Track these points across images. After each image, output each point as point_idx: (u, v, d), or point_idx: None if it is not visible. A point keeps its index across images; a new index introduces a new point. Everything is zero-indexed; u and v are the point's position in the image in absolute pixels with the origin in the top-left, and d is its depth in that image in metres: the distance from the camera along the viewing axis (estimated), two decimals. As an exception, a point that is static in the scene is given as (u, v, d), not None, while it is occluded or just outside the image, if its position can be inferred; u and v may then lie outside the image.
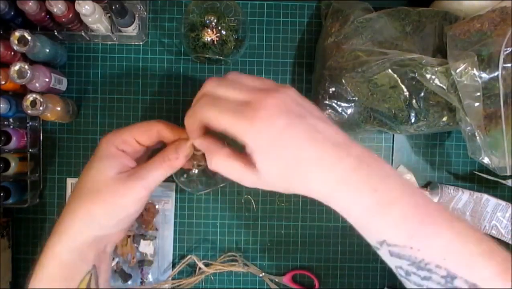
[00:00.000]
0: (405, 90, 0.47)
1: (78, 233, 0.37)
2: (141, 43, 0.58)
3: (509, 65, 0.43)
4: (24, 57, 0.50)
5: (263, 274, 0.58)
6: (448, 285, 0.29)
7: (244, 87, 0.34)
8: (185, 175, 0.47)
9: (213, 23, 0.51)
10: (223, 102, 0.33)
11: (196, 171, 0.44)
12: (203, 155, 0.40)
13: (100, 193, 0.36)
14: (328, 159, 0.31)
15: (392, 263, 0.31)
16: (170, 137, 0.40)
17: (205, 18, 0.51)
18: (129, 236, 0.56)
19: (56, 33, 0.54)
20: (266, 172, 0.33)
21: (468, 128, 0.46)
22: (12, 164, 0.52)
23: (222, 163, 0.35)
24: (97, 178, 0.37)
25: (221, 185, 0.52)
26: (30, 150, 0.55)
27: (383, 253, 0.31)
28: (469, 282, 0.28)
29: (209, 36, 0.51)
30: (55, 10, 0.48)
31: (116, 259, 0.57)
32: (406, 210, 0.30)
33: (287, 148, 0.31)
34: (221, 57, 0.53)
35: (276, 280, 0.58)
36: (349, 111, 0.50)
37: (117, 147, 0.39)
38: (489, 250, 0.29)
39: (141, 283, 0.57)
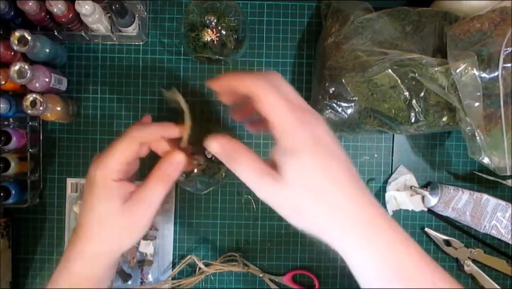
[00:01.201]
0: (405, 90, 0.47)
1: (98, 268, 0.38)
2: (141, 43, 0.58)
3: (509, 65, 0.43)
4: (24, 57, 0.50)
5: (263, 274, 0.58)
6: None
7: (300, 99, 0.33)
8: (184, 175, 0.47)
9: (213, 23, 0.51)
10: (286, 94, 0.32)
11: (196, 170, 0.44)
12: (202, 155, 0.40)
13: (113, 231, 0.37)
14: (362, 217, 0.30)
15: None
16: (154, 141, 0.39)
17: (205, 18, 0.51)
18: (129, 236, 0.56)
19: (56, 33, 0.54)
20: (292, 182, 0.30)
21: (468, 128, 0.46)
22: (12, 164, 0.52)
23: (236, 150, 0.33)
24: (104, 219, 0.37)
25: (220, 184, 0.52)
26: (30, 150, 0.55)
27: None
28: None
29: (209, 36, 0.51)
30: (55, 10, 0.48)
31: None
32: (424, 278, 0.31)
33: (325, 178, 0.30)
34: (221, 57, 0.53)
35: (276, 280, 0.58)
36: (349, 111, 0.50)
37: (112, 179, 0.37)
38: None
39: (141, 283, 0.57)
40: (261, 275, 0.58)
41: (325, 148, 0.31)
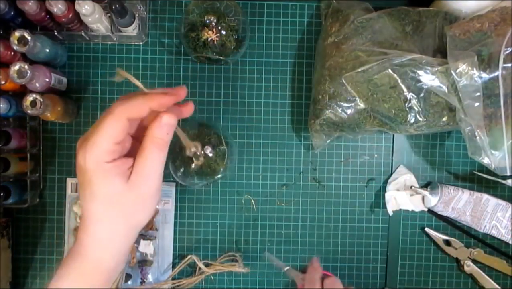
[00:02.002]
0: (405, 90, 0.47)
1: (121, 243, 0.37)
2: (141, 43, 0.58)
3: (509, 65, 0.43)
4: (24, 57, 0.50)
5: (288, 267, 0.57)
6: None
7: None
8: (182, 169, 0.47)
9: (213, 23, 0.51)
10: None
11: (193, 166, 0.44)
12: (198, 142, 0.40)
13: (125, 209, 0.35)
14: None
15: None
16: (143, 115, 0.36)
17: (205, 18, 0.51)
18: (129, 236, 0.56)
19: (56, 33, 0.54)
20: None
21: (468, 128, 0.46)
22: (12, 164, 0.52)
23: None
24: (112, 201, 0.35)
25: (218, 177, 0.52)
26: (30, 150, 0.55)
27: None
28: None
29: (209, 36, 0.51)
30: (55, 10, 0.48)
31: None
32: None
33: None
34: (221, 57, 0.53)
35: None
36: (349, 111, 0.50)
37: (106, 161, 0.34)
38: None
39: (141, 283, 0.57)
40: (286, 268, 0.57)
41: None
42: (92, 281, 0.36)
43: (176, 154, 0.51)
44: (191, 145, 0.40)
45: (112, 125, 0.35)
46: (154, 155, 0.35)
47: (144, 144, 0.36)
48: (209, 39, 0.51)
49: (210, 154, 0.50)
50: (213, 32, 0.51)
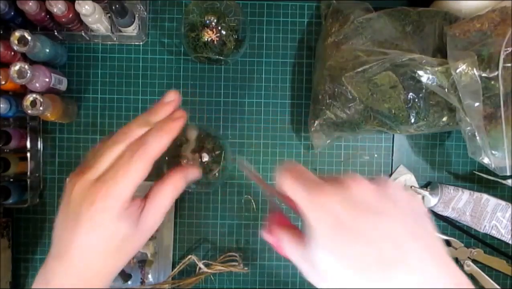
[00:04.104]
0: (405, 90, 0.47)
1: (113, 274, 0.36)
2: (141, 43, 0.58)
3: (509, 65, 0.43)
4: (24, 57, 0.50)
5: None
6: None
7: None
8: None
9: (213, 23, 0.51)
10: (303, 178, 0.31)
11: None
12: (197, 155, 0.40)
13: (128, 247, 0.35)
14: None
15: None
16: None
17: (205, 18, 0.51)
18: (129, 236, 0.56)
19: (56, 33, 0.54)
20: (319, 265, 0.28)
21: (468, 128, 0.46)
22: (12, 164, 0.52)
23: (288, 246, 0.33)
24: (120, 240, 0.34)
25: (214, 185, 0.52)
26: (30, 150, 0.55)
27: None
28: None
29: (209, 36, 0.51)
30: (55, 10, 0.48)
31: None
32: None
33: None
34: (221, 57, 0.53)
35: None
36: (349, 111, 0.50)
37: (127, 207, 0.33)
38: None
39: (141, 283, 0.57)
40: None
41: (346, 229, 0.27)
42: None
43: (170, 160, 0.51)
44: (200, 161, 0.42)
45: (139, 172, 0.34)
46: (169, 194, 0.36)
47: (161, 186, 0.36)
48: (209, 39, 0.51)
49: (205, 159, 0.50)
50: (213, 32, 0.51)
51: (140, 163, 0.33)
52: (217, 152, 0.50)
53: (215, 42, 0.52)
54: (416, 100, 0.47)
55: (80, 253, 0.34)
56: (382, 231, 0.27)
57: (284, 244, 0.33)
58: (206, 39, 0.51)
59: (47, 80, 0.51)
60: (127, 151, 0.34)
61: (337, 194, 0.28)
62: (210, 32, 0.51)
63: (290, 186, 0.31)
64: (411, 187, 0.58)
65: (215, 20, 0.51)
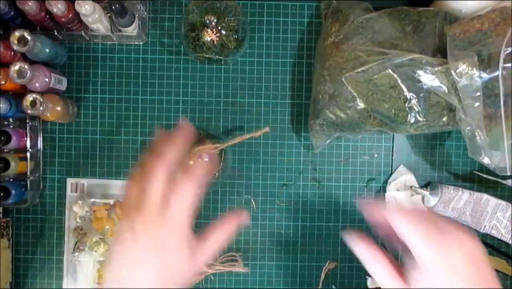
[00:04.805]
0: (405, 90, 0.47)
1: None
2: (141, 43, 0.58)
3: (509, 65, 0.43)
4: (24, 57, 0.50)
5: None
6: None
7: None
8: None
9: (213, 23, 0.51)
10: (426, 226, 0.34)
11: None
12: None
13: (179, 277, 0.36)
14: None
15: None
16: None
17: (205, 18, 0.51)
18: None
19: (56, 33, 0.54)
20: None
21: (468, 128, 0.46)
22: (12, 164, 0.52)
23: (378, 271, 0.36)
24: (171, 268, 0.36)
25: (216, 184, 0.52)
26: (30, 150, 0.55)
27: None
28: None
29: (209, 36, 0.51)
30: (55, 10, 0.48)
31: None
32: None
33: None
34: (221, 57, 0.53)
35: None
36: (349, 111, 0.50)
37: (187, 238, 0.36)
38: None
39: (141, 283, 0.57)
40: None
41: (459, 276, 0.32)
42: None
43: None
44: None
45: (194, 196, 0.36)
46: (225, 232, 0.38)
47: (220, 225, 0.39)
48: (209, 39, 0.51)
49: (205, 160, 0.50)
50: (213, 32, 0.51)
51: (194, 191, 0.35)
52: (217, 153, 0.50)
53: (215, 42, 0.52)
54: (416, 100, 0.47)
55: (140, 282, 0.34)
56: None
57: (379, 261, 0.36)
58: (206, 39, 0.51)
59: (47, 80, 0.51)
60: (179, 185, 0.35)
61: (456, 248, 0.33)
62: (210, 32, 0.51)
63: (408, 230, 0.34)
64: (411, 187, 0.58)
65: (215, 20, 0.51)
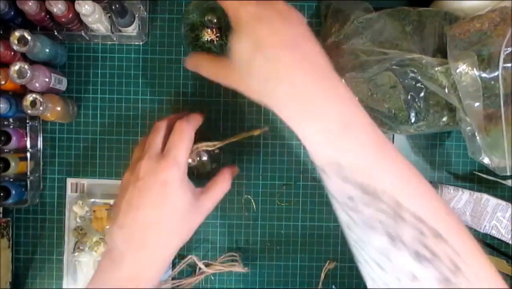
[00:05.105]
0: (405, 90, 0.47)
1: (168, 257, 0.41)
2: (141, 43, 0.58)
3: (509, 65, 0.43)
4: (24, 57, 0.50)
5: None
6: (395, 218, 0.29)
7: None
8: None
9: (213, 23, 0.51)
10: None
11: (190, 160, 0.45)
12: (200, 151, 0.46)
13: (185, 220, 0.40)
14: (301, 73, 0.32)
15: (338, 190, 0.31)
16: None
17: (205, 18, 0.51)
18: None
19: (56, 33, 0.54)
20: (234, 49, 0.34)
21: (468, 128, 0.46)
22: (12, 164, 0.52)
23: (199, 59, 0.40)
24: (184, 214, 0.40)
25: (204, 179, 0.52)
26: (30, 150, 0.55)
27: (333, 178, 0.31)
28: (415, 215, 0.28)
29: (209, 36, 0.51)
30: (55, 10, 0.48)
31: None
32: (365, 135, 0.31)
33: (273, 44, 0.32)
34: (221, 57, 0.53)
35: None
36: (349, 111, 0.50)
37: (186, 174, 0.41)
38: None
39: (141, 283, 0.57)
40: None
41: (262, 21, 0.33)
42: None
43: None
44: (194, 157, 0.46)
45: (191, 138, 0.42)
46: (224, 185, 0.45)
47: (218, 177, 0.46)
48: (209, 39, 0.51)
49: (204, 158, 0.50)
50: (213, 32, 0.51)
51: (190, 132, 0.41)
52: (216, 152, 0.50)
53: (215, 42, 0.52)
54: (416, 100, 0.47)
55: (149, 227, 0.38)
56: (282, 26, 0.33)
57: (203, 61, 0.40)
58: (206, 39, 0.51)
59: (47, 80, 0.51)
60: (175, 128, 0.41)
61: (260, 3, 0.34)
62: (210, 32, 0.51)
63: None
64: (411, 187, 0.58)
65: (215, 20, 0.51)
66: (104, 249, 0.56)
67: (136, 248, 0.38)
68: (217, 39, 0.51)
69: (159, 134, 0.42)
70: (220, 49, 0.52)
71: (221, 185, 0.44)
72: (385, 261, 0.29)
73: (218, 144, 0.46)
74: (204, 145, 0.45)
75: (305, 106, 0.31)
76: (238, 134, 0.48)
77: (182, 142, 0.41)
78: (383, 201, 0.29)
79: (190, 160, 0.45)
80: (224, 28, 0.49)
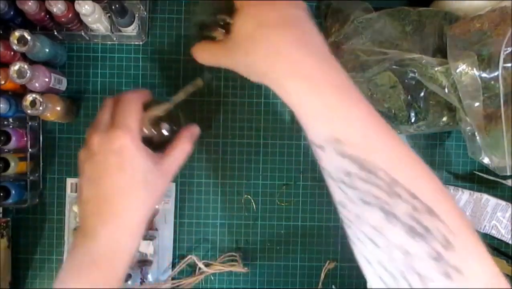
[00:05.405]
0: (405, 90, 0.47)
1: (138, 225, 0.40)
2: (141, 43, 0.58)
3: (509, 65, 0.43)
4: (24, 57, 0.50)
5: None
6: (390, 194, 0.29)
7: None
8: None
9: (226, 22, 0.50)
10: None
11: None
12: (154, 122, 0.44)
13: (149, 185, 0.40)
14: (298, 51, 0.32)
15: (336, 167, 0.31)
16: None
17: (217, 18, 0.50)
18: (129, 236, 0.56)
19: (55, 33, 0.54)
20: (236, 30, 0.35)
21: (468, 128, 0.46)
22: (12, 164, 0.52)
23: (203, 46, 0.40)
24: (147, 179, 0.40)
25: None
26: (30, 150, 0.55)
27: (331, 154, 0.31)
28: (409, 191, 0.29)
29: (220, 35, 0.49)
30: (54, 10, 0.48)
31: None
32: (365, 113, 0.31)
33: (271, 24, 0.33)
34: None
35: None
36: (349, 111, 0.50)
37: (140, 140, 0.40)
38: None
39: (141, 283, 0.57)
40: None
41: (266, 4, 0.34)
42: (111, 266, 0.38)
43: None
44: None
45: (138, 106, 0.42)
46: (184, 146, 0.44)
47: (177, 140, 0.44)
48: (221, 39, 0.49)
49: (166, 133, 0.47)
50: (224, 31, 0.50)
51: (135, 101, 0.42)
52: (174, 129, 0.47)
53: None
54: (416, 100, 0.47)
55: (113, 195, 0.38)
56: (284, 6, 0.34)
57: (205, 46, 0.40)
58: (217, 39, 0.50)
59: (46, 80, 0.51)
60: (121, 99, 0.42)
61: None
62: (221, 31, 0.50)
63: None
64: (411, 187, 0.57)
65: (227, 20, 0.50)
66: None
67: (105, 220, 0.38)
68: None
69: (107, 109, 0.42)
70: None
71: (181, 146, 0.43)
72: (379, 237, 0.29)
73: (168, 106, 0.45)
74: (155, 111, 0.44)
75: (304, 83, 0.31)
76: (184, 89, 0.47)
77: (129, 110, 0.41)
78: (379, 177, 0.29)
79: (146, 131, 0.43)
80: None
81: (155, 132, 0.46)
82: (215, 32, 0.48)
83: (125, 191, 0.38)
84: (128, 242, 0.39)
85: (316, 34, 0.34)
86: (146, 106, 0.44)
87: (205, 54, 0.39)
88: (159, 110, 0.44)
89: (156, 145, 0.45)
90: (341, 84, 0.32)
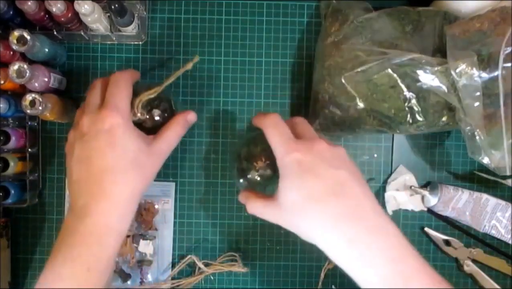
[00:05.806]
0: (405, 90, 0.47)
1: (130, 204, 0.40)
2: (140, 42, 0.58)
3: (509, 64, 0.43)
4: (23, 57, 0.50)
5: None
6: None
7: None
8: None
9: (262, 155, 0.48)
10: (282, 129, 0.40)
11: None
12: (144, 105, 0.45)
13: (144, 170, 0.40)
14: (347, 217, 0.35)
15: None
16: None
17: (255, 150, 0.49)
18: (128, 236, 0.56)
19: (55, 33, 0.54)
20: (284, 197, 0.37)
21: (468, 128, 0.46)
22: (11, 164, 0.52)
23: (251, 203, 0.42)
24: (137, 159, 0.40)
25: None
26: (29, 150, 0.54)
27: None
28: None
29: (257, 168, 0.48)
30: (54, 10, 0.48)
31: (116, 259, 0.56)
32: (425, 282, 0.33)
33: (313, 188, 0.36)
34: (220, 57, 0.53)
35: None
36: (349, 111, 0.50)
37: (131, 121, 0.41)
38: None
39: (141, 283, 0.57)
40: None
41: (308, 170, 0.36)
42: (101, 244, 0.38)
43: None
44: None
45: (128, 89, 0.42)
46: (178, 128, 0.44)
47: (170, 122, 0.44)
48: (257, 175, 0.48)
49: (157, 118, 0.47)
50: (261, 163, 0.49)
51: (125, 81, 0.42)
52: (166, 115, 0.48)
53: (263, 173, 0.49)
54: (416, 100, 0.47)
55: (104, 174, 0.38)
56: (327, 172, 0.36)
57: (252, 200, 0.42)
58: (254, 172, 0.48)
59: (46, 79, 0.51)
60: (111, 80, 0.42)
61: (303, 149, 0.37)
62: (258, 163, 0.49)
63: (271, 131, 0.40)
64: (410, 187, 0.58)
65: (263, 155, 0.48)
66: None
67: (95, 199, 0.37)
68: (265, 170, 0.48)
69: (96, 90, 0.42)
70: (267, 180, 0.49)
71: (175, 128, 0.43)
72: None
73: (158, 88, 0.45)
74: (146, 94, 0.43)
75: (359, 259, 0.34)
76: (174, 73, 0.47)
77: (119, 89, 0.41)
78: None
79: (139, 114, 0.44)
80: (271, 158, 0.46)
81: (147, 117, 0.46)
82: (253, 165, 0.48)
83: (115, 172, 0.38)
84: (118, 222, 0.39)
85: (364, 197, 0.36)
86: (137, 91, 0.44)
87: (255, 209, 0.41)
88: (150, 93, 0.44)
89: (149, 130, 0.45)
90: (397, 257, 0.33)
